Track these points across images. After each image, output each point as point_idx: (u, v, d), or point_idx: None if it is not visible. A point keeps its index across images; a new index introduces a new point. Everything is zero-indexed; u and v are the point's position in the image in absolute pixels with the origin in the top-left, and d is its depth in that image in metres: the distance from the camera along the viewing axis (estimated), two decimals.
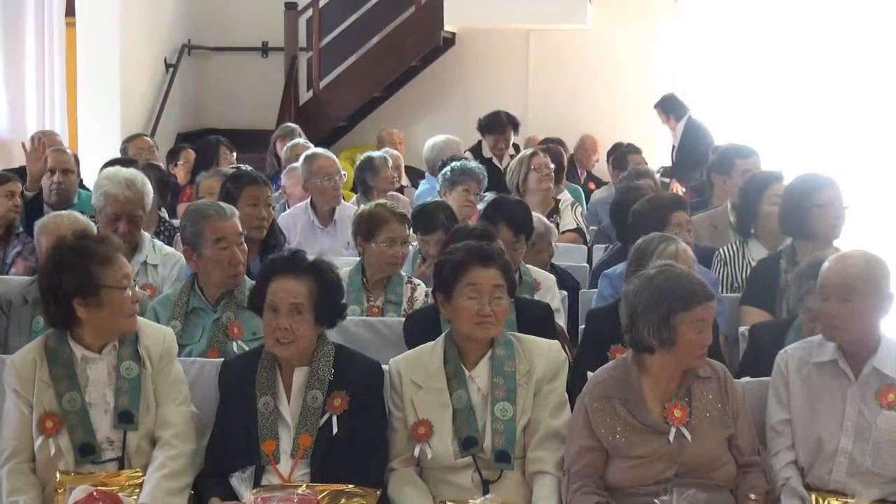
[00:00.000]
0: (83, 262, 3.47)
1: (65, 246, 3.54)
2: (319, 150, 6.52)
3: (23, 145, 6.08)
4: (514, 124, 8.12)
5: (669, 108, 9.50)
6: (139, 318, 3.65)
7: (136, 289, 3.61)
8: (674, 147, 9.51)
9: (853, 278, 3.44)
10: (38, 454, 3.43)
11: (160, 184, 5.65)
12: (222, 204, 4.39)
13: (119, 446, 3.45)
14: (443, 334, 3.63)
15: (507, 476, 3.48)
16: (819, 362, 3.51)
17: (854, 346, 3.48)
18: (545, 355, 3.58)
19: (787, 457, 3.49)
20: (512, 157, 8.06)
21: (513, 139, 8.20)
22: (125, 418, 3.45)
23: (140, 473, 3.43)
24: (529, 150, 6.79)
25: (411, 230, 4.97)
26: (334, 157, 6.31)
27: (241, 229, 4.25)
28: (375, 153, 6.99)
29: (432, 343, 3.63)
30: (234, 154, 7.58)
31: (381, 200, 5.18)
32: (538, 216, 5.43)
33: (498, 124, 8.02)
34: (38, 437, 3.42)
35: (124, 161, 5.92)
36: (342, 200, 6.26)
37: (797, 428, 3.50)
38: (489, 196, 5.69)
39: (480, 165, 6.33)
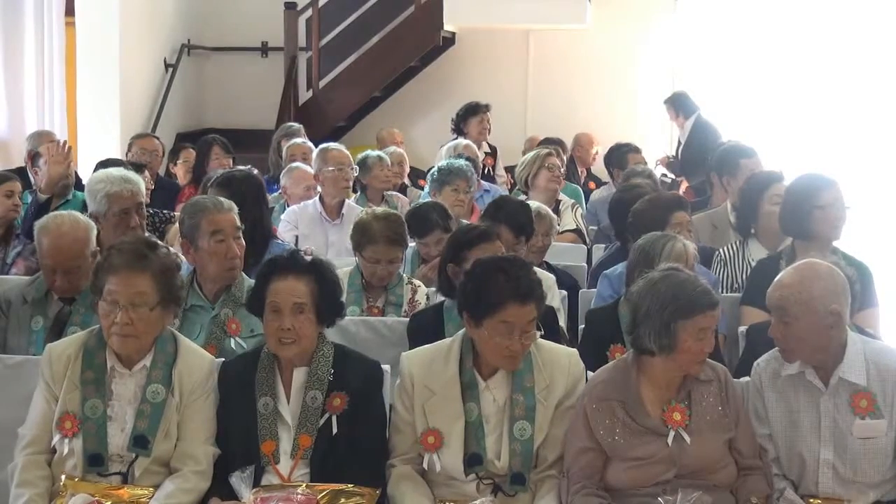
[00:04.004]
0: (99, 262, 3.49)
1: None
2: (333, 144, 6.57)
3: (29, 152, 6.07)
4: (487, 107, 8.37)
5: (679, 105, 9.44)
6: (186, 341, 3.60)
7: (131, 313, 3.38)
8: (680, 143, 9.49)
9: (785, 300, 3.39)
10: (55, 449, 3.44)
11: None
12: (220, 198, 4.38)
13: (127, 463, 3.43)
14: (460, 335, 3.55)
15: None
16: (789, 375, 3.48)
17: (816, 359, 3.44)
18: (565, 369, 3.50)
19: (775, 470, 3.47)
20: (487, 153, 8.18)
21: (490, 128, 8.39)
22: (139, 443, 3.41)
23: (145, 493, 3.39)
24: (545, 150, 6.87)
25: (408, 234, 4.93)
26: (347, 151, 6.36)
27: (238, 223, 4.25)
28: (371, 153, 7.00)
29: (448, 343, 3.56)
30: (231, 157, 7.51)
31: (381, 210, 5.01)
32: (539, 203, 5.45)
33: (477, 107, 8.34)
34: (56, 434, 3.42)
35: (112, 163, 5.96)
36: (350, 195, 6.29)
37: (778, 442, 3.48)
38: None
39: (468, 163, 6.32)
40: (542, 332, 3.49)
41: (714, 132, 8.95)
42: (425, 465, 3.46)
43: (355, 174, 6.36)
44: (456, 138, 8.08)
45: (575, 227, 6.65)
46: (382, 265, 4.62)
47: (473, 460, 3.41)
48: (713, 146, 7.62)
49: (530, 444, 3.42)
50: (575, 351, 3.65)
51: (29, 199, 5.85)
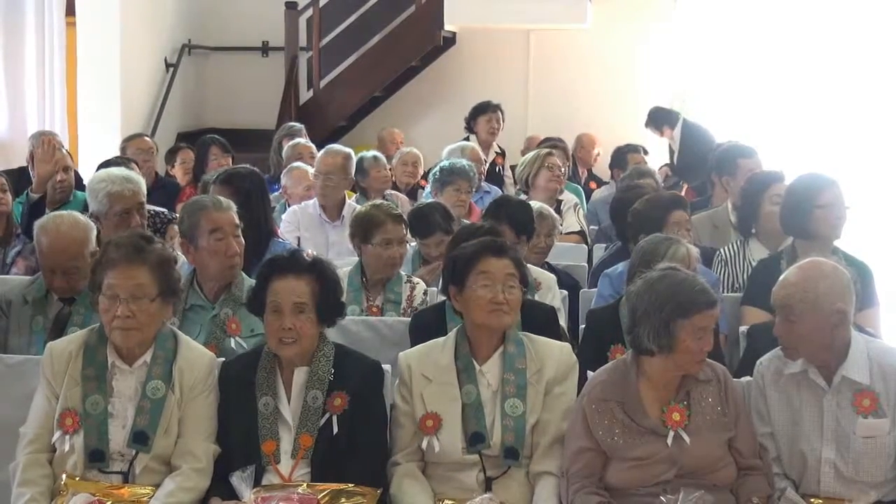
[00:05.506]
0: (97, 258, 3.51)
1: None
2: (335, 146, 6.49)
3: (31, 152, 6.07)
4: (500, 109, 8.37)
5: (661, 120, 9.35)
6: (186, 338, 3.61)
7: (131, 305, 3.41)
8: (672, 152, 9.48)
9: (790, 298, 3.39)
10: (56, 447, 3.44)
11: None
12: (219, 197, 4.39)
13: (128, 461, 3.43)
14: (455, 329, 3.64)
15: (511, 475, 3.47)
16: (792, 373, 3.48)
17: (820, 358, 3.44)
18: (556, 357, 3.58)
19: (776, 469, 3.48)
20: (498, 154, 8.19)
21: (501, 127, 8.36)
22: (139, 439, 3.41)
23: (146, 492, 3.39)
24: (545, 150, 6.88)
25: (409, 233, 4.95)
26: (346, 155, 6.25)
27: (237, 221, 4.26)
28: (366, 154, 6.99)
29: (443, 338, 3.64)
30: (230, 157, 7.51)
31: (377, 201, 5.16)
32: (541, 203, 5.46)
33: (487, 105, 8.34)
34: (56, 431, 3.43)
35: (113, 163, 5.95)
36: (346, 198, 6.26)
37: (780, 441, 3.48)
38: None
39: (471, 163, 6.34)
40: (527, 291, 3.66)
41: (704, 131, 8.93)
42: (423, 447, 3.49)
43: (348, 178, 6.27)
44: (467, 137, 8.11)
45: (579, 228, 6.66)
46: (394, 246, 4.64)
47: (476, 439, 3.46)
48: (708, 145, 7.63)
49: (522, 421, 3.47)
50: (567, 344, 3.71)
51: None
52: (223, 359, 3.75)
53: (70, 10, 8.90)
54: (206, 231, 4.15)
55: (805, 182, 4.70)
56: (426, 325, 4.10)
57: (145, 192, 4.94)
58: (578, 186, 8.18)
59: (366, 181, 6.78)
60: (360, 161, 6.76)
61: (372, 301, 4.68)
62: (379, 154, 7.22)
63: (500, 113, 8.32)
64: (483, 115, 8.27)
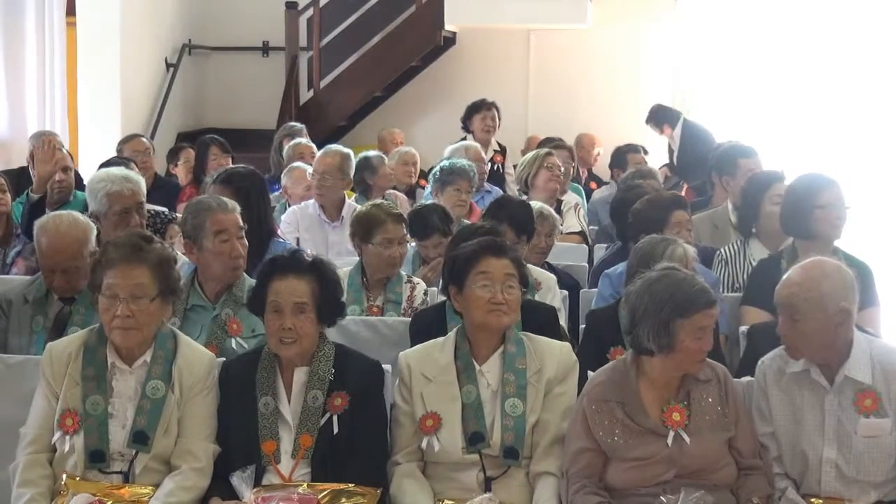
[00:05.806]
0: (96, 258, 3.52)
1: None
2: (333, 147, 6.48)
3: (31, 152, 6.07)
4: (496, 106, 8.34)
5: (662, 118, 9.34)
6: (186, 338, 3.61)
7: (131, 305, 3.40)
8: (672, 151, 9.48)
9: (794, 298, 3.39)
10: (56, 447, 3.44)
11: None
12: (224, 198, 4.39)
13: (128, 461, 3.43)
14: (454, 330, 3.65)
15: (510, 475, 3.48)
16: (794, 373, 3.48)
17: (822, 357, 3.44)
18: (556, 356, 3.58)
19: (777, 469, 3.48)
20: (497, 151, 8.20)
21: (498, 125, 8.33)
22: (139, 439, 3.41)
23: (146, 491, 3.40)
24: (545, 150, 6.87)
25: (408, 234, 4.96)
26: (344, 155, 6.24)
27: (241, 223, 4.26)
28: (371, 153, 7.02)
29: (443, 338, 3.65)
30: (230, 157, 7.51)
31: (378, 200, 5.18)
32: (541, 203, 5.46)
33: (481, 104, 8.33)
34: (56, 431, 3.43)
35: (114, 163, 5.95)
36: (345, 198, 6.26)
37: (782, 440, 3.48)
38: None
39: (471, 163, 6.34)
40: (527, 291, 3.68)
41: (704, 131, 8.94)
42: (423, 446, 3.50)
43: (346, 178, 6.28)
44: (465, 137, 8.11)
45: (580, 228, 6.66)
46: (395, 246, 4.66)
47: (475, 439, 3.46)
48: (709, 145, 7.63)
49: (522, 421, 3.47)
50: (567, 344, 3.71)
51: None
52: (223, 359, 3.74)
53: (70, 10, 8.91)
54: (210, 232, 4.15)
55: (805, 182, 4.70)
56: (426, 325, 4.11)
57: (145, 191, 4.95)
58: (579, 186, 8.17)
59: (373, 179, 6.79)
60: (368, 159, 6.79)
61: (372, 301, 4.69)
62: (382, 153, 7.25)
63: (495, 111, 8.27)
64: (477, 113, 8.26)
